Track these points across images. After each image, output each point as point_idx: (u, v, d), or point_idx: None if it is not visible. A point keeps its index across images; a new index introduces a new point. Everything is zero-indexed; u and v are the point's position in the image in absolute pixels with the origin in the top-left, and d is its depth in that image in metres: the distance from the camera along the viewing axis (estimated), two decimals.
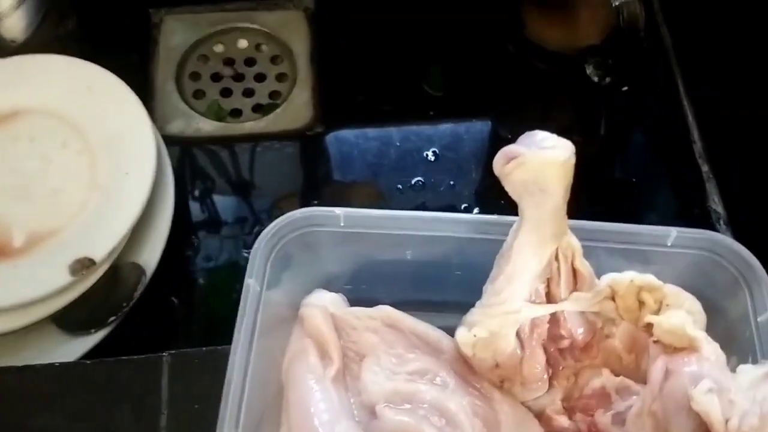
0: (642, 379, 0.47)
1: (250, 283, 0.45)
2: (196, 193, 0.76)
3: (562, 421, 0.47)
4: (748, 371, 0.41)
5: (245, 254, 0.71)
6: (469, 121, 0.80)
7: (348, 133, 0.79)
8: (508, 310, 0.45)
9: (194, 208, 0.75)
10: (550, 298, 0.46)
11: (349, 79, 0.82)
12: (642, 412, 0.45)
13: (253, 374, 0.45)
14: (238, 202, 0.76)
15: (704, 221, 0.71)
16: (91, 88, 0.71)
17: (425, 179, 0.74)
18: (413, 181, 0.75)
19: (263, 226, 0.71)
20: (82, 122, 0.71)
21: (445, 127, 0.79)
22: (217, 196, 0.77)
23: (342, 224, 0.47)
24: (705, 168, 0.73)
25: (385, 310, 0.50)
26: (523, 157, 0.41)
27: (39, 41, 0.75)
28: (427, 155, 0.76)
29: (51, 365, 0.52)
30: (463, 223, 0.48)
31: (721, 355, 0.43)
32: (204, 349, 0.52)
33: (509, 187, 0.42)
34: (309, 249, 0.48)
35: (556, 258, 0.45)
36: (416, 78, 0.81)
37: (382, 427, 0.45)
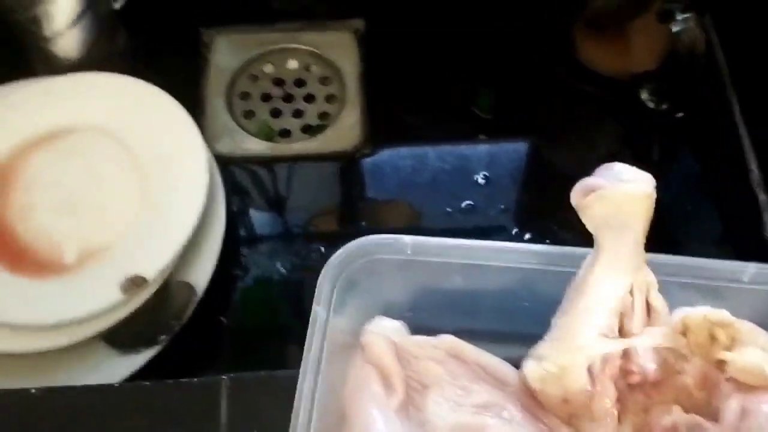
0: (713, 416, 0.45)
1: (318, 310, 0.44)
2: (245, 212, 0.76)
3: None
4: None
5: (292, 273, 0.71)
6: (518, 143, 0.79)
7: (396, 155, 0.79)
8: (581, 345, 0.44)
9: (243, 227, 0.75)
10: (622, 333, 0.45)
11: (398, 101, 0.81)
12: None
13: (317, 403, 0.44)
14: (285, 222, 0.76)
15: (761, 252, 0.69)
16: (142, 105, 0.72)
17: (475, 202, 0.74)
18: (463, 205, 0.74)
19: (311, 246, 0.71)
20: (134, 140, 0.72)
21: (495, 150, 0.79)
22: (265, 214, 0.77)
23: (409, 252, 0.46)
24: (762, 197, 0.72)
25: (449, 340, 0.49)
26: (603, 190, 0.40)
27: (92, 59, 0.76)
28: (476, 178, 0.75)
29: (107, 386, 0.52)
30: (531, 254, 0.47)
31: None
32: (263, 373, 0.52)
33: (587, 220, 0.42)
34: (373, 275, 0.47)
35: (631, 292, 0.44)
36: (466, 100, 0.81)
37: None
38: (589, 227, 0.42)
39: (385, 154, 0.78)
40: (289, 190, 0.77)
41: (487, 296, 0.50)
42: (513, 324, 0.49)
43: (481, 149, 0.79)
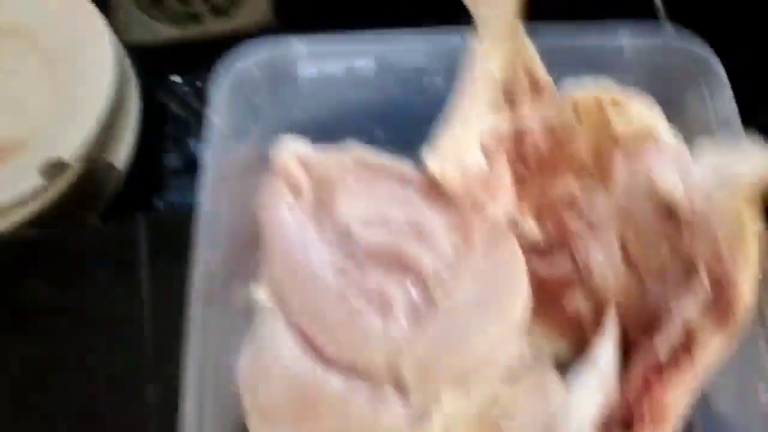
0: (605, 180, 0.48)
1: (213, 118, 0.45)
2: (162, 94, 0.76)
3: (532, 227, 0.48)
4: (707, 152, 0.43)
5: None
6: None
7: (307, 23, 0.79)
8: (470, 122, 0.46)
9: (162, 109, 0.75)
10: (512, 110, 0.47)
11: None
12: (609, 209, 0.46)
13: (225, 221, 0.46)
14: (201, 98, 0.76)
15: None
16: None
17: None
18: None
19: None
20: (42, 34, 0.72)
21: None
22: (181, 95, 0.77)
23: (300, 54, 0.47)
24: None
25: (353, 147, 0.50)
26: None
27: None
28: None
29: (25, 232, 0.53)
30: (425, 40, 0.48)
31: (682, 145, 0.45)
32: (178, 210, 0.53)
33: None
34: (272, 89, 0.48)
35: (514, 67, 0.46)
36: None
37: (358, 246, 0.46)
38: (468, 3, 0.44)
39: (297, 25, 0.78)
40: (203, 69, 0.77)
41: (386, 99, 0.51)
42: (419, 126, 0.50)
43: None
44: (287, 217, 0.47)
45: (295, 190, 0.49)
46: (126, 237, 0.52)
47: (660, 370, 0.42)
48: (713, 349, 0.41)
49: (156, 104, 0.75)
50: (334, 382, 0.41)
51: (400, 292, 0.44)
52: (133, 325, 0.50)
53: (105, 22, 0.71)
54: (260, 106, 0.50)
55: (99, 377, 0.50)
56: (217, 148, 0.45)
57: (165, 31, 0.78)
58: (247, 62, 0.47)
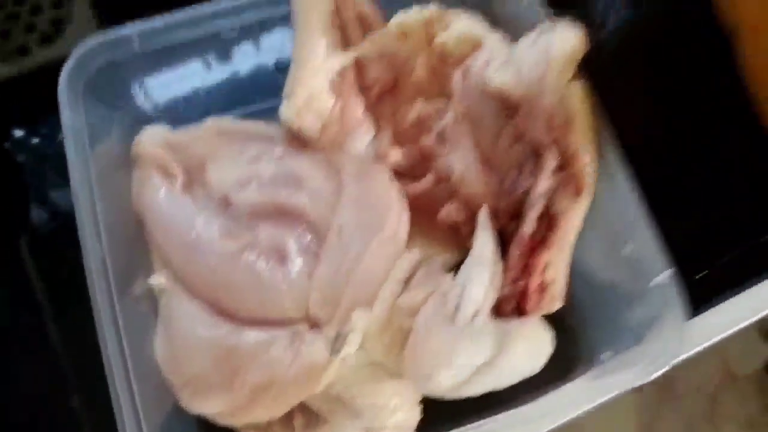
0: (450, 97, 0.52)
1: (67, 119, 0.46)
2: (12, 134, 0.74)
3: (395, 154, 0.51)
4: (525, 38, 0.47)
5: None
6: None
7: None
8: (314, 67, 0.48)
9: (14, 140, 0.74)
10: (347, 47, 0.50)
11: None
12: (456, 119, 0.50)
13: (105, 217, 0.46)
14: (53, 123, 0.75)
15: None
16: None
17: None
18: None
19: None
20: None
21: None
22: (31, 131, 0.76)
23: (138, 44, 0.49)
24: None
25: (211, 121, 0.52)
26: None
27: None
28: None
29: None
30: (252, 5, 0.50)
31: (505, 38, 0.49)
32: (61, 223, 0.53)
33: None
34: (121, 83, 0.49)
35: (343, 8, 0.49)
36: None
37: (239, 209, 0.48)
38: None
39: None
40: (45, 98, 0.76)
41: (234, 72, 0.53)
42: (275, 91, 0.52)
43: None
44: (164, 200, 0.49)
45: (167, 173, 0.50)
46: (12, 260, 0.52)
47: (534, 247, 0.46)
48: (574, 216, 0.45)
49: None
50: (252, 336, 0.43)
51: (291, 239, 0.46)
52: (44, 344, 0.50)
53: None
54: (113, 101, 0.51)
55: (21, 401, 0.50)
56: (79, 149, 0.45)
57: None
58: (91, 58, 0.47)
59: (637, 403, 1.29)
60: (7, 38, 0.80)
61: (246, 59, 0.53)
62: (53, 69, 0.75)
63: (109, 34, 0.48)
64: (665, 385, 1.33)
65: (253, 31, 0.51)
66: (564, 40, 0.44)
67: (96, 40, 0.47)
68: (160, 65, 0.51)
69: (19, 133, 0.70)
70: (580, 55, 0.44)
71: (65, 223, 0.54)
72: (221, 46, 0.51)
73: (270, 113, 0.52)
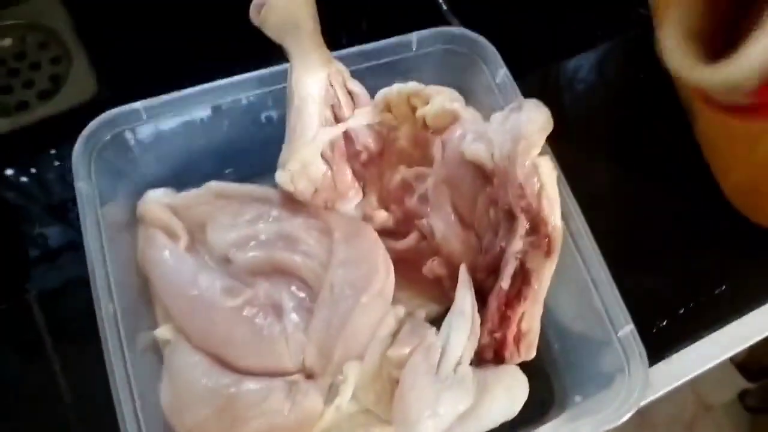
0: (431, 164, 0.57)
1: (80, 186, 0.50)
2: (9, 187, 0.78)
3: (381, 214, 0.56)
4: (497, 115, 0.52)
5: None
6: None
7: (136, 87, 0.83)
8: (308, 138, 0.53)
9: (14, 200, 0.77)
10: (338, 121, 0.55)
11: (119, 38, 0.86)
12: (437, 183, 0.55)
13: (114, 274, 0.50)
14: (51, 181, 0.79)
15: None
16: None
17: None
18: None
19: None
20: None
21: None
22: (30, 184, 0.79)
23: (144, 117, 0.53)
24: None
25: (211, 184, 0.56)
26: (269, 2, 0.49)
27: None
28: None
29: None
30: (255, 80, 0.55)
31: (478, 115, 0.54)
32: (66, 278, 0.57)
33: (270, 33, 0.50)
34: (127, 151, 0.54)
35: (331, 85, 0.54)
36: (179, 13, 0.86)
37: (238, 267, 0.52)
38: (275, 39, 0.51)
39: (125, 91, 0.82)
40: (43, 153, 0.80)
41: (230, 140, 0.58)
42: (265, 157, 0.57)
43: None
44: (168, 259, 0.53)
45: (171, 233, 0.54)
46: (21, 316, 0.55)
47: (510, 302, 0.51)
48: (545, 273, 0.50)
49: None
50: (251, 386, 0.47)
51: (287, 295, 0.50)
52: (53, 399, 0.54)
53: None
54: (120, 167, 0.55)
55: None
56: (91, 213, 0.49)
57: None
58: (102, 130, 0.52)
59: None
60: (8, 93, 0.84)
61: (241, 127, 0.57)
62: (51, 123, 0.80)
63: (119, 109, 0.52)
64: (641, 415, 1.36)
65: (249, 105, 0.56)
66: (532, 120, 0.49)
67: (107, 114, 0.51)
68: (163, 135, 0.55)
69: (9, 172, 0.73)
70: (546, 133, 0.49)
71: (71, 278, 0.58)
72: (219, 117, 0.56)
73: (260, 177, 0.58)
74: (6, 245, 0.72)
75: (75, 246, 0.66)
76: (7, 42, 0.87)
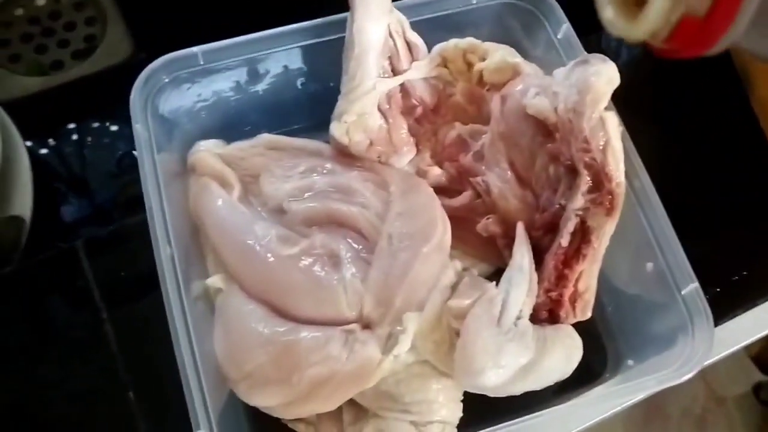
0: (486, 121, 0.56)
1: (137, 128, 0.49)
2: (48, 145, 0.77)
3: (435, 171, 0.55)
4: (561, 69, 0.51)
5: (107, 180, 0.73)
6: None
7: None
8: (366, 89, 0.52)
9: (52, 157, 0.77)
10: (395, 73, 0.54)
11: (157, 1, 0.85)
12: (493, 139, 0.54)
13: (169, 213, 0.50)
14: (89, 138, 0.78)
15: None
16: None
17: None
18: None
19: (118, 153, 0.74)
20: None
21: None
22: (65, 140, 0.78)
23: (201, 62, 0.52)
24: None
25: (264, 136, 0.56)
26: None
27: None
28: None
29: None
30: (308, 30, 0.54)
31: (539, 69, 0.53)
32: (111, 227, 0.56)
33: None
34: (180, 97, 0.53)
35: (391, 36, 0.53)
36: None
37: (293, 217, 0.52)
38: None
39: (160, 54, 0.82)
40: (79, 110, 0.79)
41: (284, 91, 0.57)
42: (317, 112, 0.56)
43: None
44: (222, 208, 0.52)
45: (224, 183, 0.53)
46: (69, 265, 0.54)
47: (568, 261, 0.50)
48: (605, 231, 0.49)
49: (41, 155, 0.76)
50: (309, 334, 0.46)
51: (344, 246, 0.50)
52: (101, 346, 0.53)
53: None
54: (173, 115, 0.54)
55: (78, 397, 0.52)
56: (148, 156, 0.49)
57: (30, 83, 0.80)
58: (158, 74, 0.51)
59: (625, 423, 1.32)
60: (43, 52, 0.83)
61: (293, 78, 0.57)
62: (86, 83, 0.79)
63: (176, 53, 0.51)
64: (652, 405, 1.36)
65: (300, 55, 0.55)
66: (600, 72, 0.48)
67: (164, 58, 0.50)
68: (214, 85, 0.54)
69: (46, 130, 0.74)
70: (613, 87, 0.48)
71: (118, 229, 0.58)
72: (272, 66, 0.55)
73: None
74: (47, 201, 0.72)
75: (120, 199, 0.66)
76: (42, 1, 0.86)
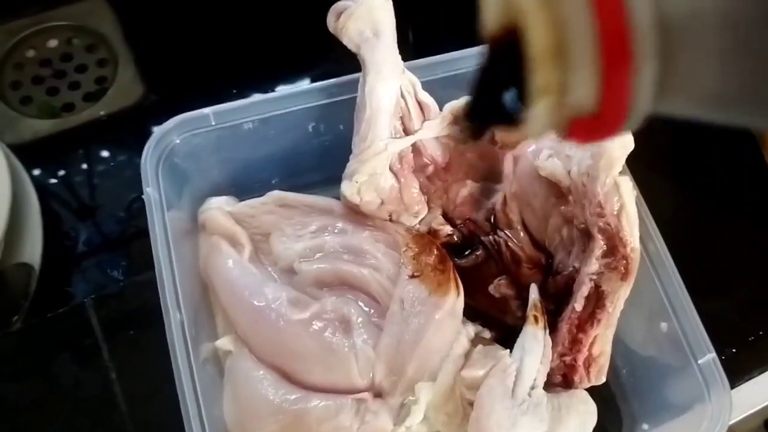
0: (498, 178, 0.56)
1: (148, 191, 0.49)
2: (55, 186, 0.77)
3: (447, 229, 0.55)
4: None
5: (119, 225, 0.73)
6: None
7: (181, 94, 0.83)
8: (377, 150, 0.52)
9: (62, 202, 0.77)
10: (407, 132, 0.54)
11: (167, 44, 0.85)
12: (506, 199, 0.54)
13: (179, 275, 0.49)
14: (99, 182, 0.78)
15: None
16: None
17: None
18: None
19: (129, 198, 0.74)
20: None
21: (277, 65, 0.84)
22: (74, 183, 0.78)
23: (213, 123, 0.52)
24: None
25: (274, 193, 0.55)
26: (351, 8, 0.48)
27: None
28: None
29: None
30: (317, 91, 0.54)
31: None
32: (121, 283, 0.56)
33: (347, 40, 0.49)
34: (192, 157, 0.53)
35: (402, 96, 0.53)
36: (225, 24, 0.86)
37: (304, 279, 0.51)
38: (351, 47, 0.50)
39: (171, 97, 0.82)
40: (90, 154, 0.79)
41: (295, 148, 0.57)
42: (328, 169, 0.56)
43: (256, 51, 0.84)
44: (232, 268, 0.51)
45: (234, 242, 0.53)
46: (78, 322, 0.54)
47: (582, 325, 0.49)
48: (619, 296, 0.49)
49: (51, 200, 0.76)
50: (319, 403, 0.46)
51: (354, 310, 0.49)
52: (108, 403, 0.52)
53: None
54: (184, 173, 0.54)
55: None
56: (159, 219, 0.48)
57: (41, 126, 0.80)
58: (170, 136, 0.51)
59: None
60: (55, 95, 0.83)
61: (300, 138, 0.56)
62: (97, 125, 0.79)
63: (187, 114, 0.51)
64: None
65: (310, 113, 0.55)
66: (616, 142, 0.47)
67: (176, 119, 0.50)
68: (224, 142, 0.54)
69: (58, 173, 0.74)
70: (628, 151, 0.48)
71: (127, 286, 0.57)
72: (282, 126, 0.55)
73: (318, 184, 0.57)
74: (57, 248, 0.71)
75: (130, 250, 0.65)
76: (54, 43, 0.87)
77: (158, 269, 0.47)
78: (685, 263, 0.51)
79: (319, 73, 0.74)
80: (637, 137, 0.49)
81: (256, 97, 0.53)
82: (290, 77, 0.82)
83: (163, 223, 0.49)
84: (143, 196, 0.50)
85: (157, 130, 0.51)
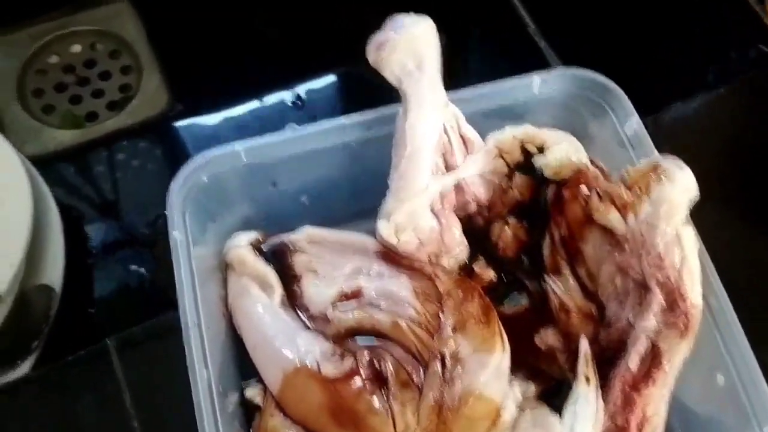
0: (545, 218, 0.52)
1: (174, 234, 0.46)
2: (78, 202, 0.75)
3: (489, 274, 0.51)
4: (629, 170, 0.47)
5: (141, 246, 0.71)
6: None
7: (208, 103, 0.80)
8: (417, 189, 0.48)
9: (80, 217, 0.74)
10: (448, 169, 0.50)
11: (193, 51, 0.82)
12: (554, 244, 0.50)
13: (205, 321, 0.46)
14: (124, 198, 0.76)
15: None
16: None
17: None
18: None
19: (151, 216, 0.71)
20: None
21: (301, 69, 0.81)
22: (97, 199, 0.76)
23: (245, 160, 0.49)
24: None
25: (306, 230, 0.52)
26: (393, 40, 0.44)
27: None
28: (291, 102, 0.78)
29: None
30: (354, 125, 0.51)
31: (604, 167, 0.49)
32: (143, 325, 0.53)
33: (388, 73, 0.46)
34: (219, 193, 0.49)
35: (445, 132, 0.49)
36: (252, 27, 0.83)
37: (338, 328, 0.48)
38: (392, 80, 0.46)
39: (196, 107, 0.79)
40: (116, 166, 0.76)
41: (328, 182, 0.53)
42: (360, 202, 0.52)
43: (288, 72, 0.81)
44: (263, 315, 0.48)
45: (264, 285, 0.50)
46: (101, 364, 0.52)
47: (636, 384, 0.46)
48: (678, 356, 0.45)
49: (71, 213, 0.73)
50: None
51: (392, 367, 0.46)
52: None
53: (6, 141, 0.68)
54: (212, 208, 0.51)
55: None
56: (185, 265, 0.45)
57: (64, 137, 0.77)
58: (197, 174, 0.48)
59: None
60: (78, 103, 0.80)
61: (333, 172, 0.53)
62: (120, 136, 0.76)
63: (213, 151, 0.48)
64: None
65: (345, 150, 0.52)
66: (675, 182, 0.43)
67: (204, 157, 0.47)
68: (253, 177, 0.51)
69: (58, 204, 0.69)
70: (691, 198, 0.44)
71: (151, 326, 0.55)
72: (315, 162, 0.51)
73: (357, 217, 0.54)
74: (79, 267, 0.69)
75: (155, 277, 0.63)
76: (77, 48, 0.84)
77: (184, 321, 0.44)
78: (745, 309, 0.47)
79: (343, 72, 0.72)
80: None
81: (288, 133, 0.49)
82: (316, 77, 0.79)
83: (189, 267, 0.46)
84: (170, 239, 0.46)
85: (184, 169, 0.47)
